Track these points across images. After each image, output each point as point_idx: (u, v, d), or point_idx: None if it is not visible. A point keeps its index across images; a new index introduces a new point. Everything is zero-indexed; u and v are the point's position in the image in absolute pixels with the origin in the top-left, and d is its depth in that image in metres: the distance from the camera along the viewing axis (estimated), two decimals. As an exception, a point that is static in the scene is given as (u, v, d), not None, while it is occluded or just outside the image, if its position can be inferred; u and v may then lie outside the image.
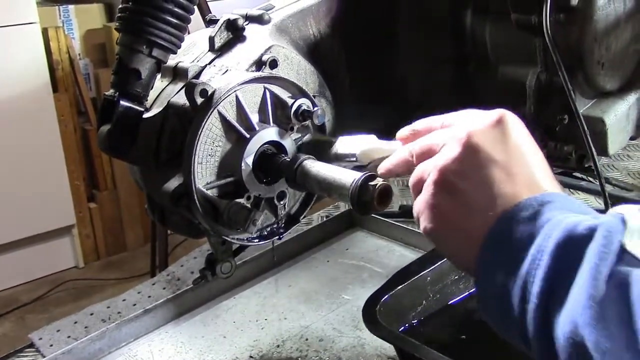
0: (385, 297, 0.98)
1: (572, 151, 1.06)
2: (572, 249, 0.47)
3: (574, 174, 1.66)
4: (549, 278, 0.47)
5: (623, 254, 0.45)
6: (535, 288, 0.47)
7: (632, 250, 0.46)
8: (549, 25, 0.92)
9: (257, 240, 0.88)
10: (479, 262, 0.53)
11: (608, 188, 1.48)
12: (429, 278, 1.05)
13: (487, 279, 0.52)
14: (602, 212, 0.53)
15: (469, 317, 1.05)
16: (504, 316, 0.51)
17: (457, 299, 1.08)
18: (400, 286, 1.01)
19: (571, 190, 1.62)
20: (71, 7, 3.15)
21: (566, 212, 0.50)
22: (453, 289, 1.07)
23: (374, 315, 0.95)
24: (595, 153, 0.98)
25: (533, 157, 0.56)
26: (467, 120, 0.59)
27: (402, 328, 1.01)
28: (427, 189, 0.57)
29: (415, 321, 1.03)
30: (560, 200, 0.52)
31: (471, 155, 0.55)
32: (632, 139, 1.13)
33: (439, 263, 1.06)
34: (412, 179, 0.61)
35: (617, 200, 1.49)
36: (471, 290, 1.08)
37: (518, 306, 0.49)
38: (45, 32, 2.96)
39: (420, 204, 0.58)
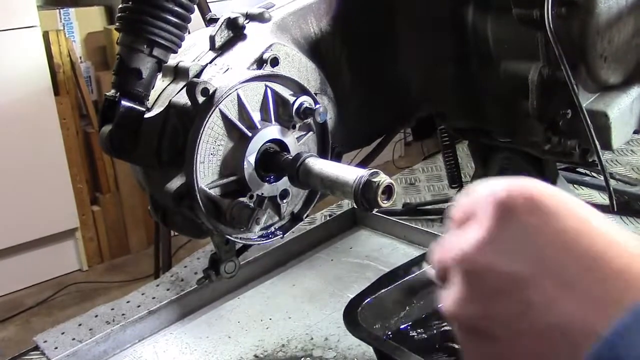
0: (369, 299, 0.97)
1: (576, 146, 1.05)
2: None
3: (577, 169, 1.65)
4: None
5: None
6: None
7: None
8: (551, 19, 0.91)
9: (261, 239, 0.88)
10: None
11: (612, 183, 1.48)
12: (416, 281, 1.03)
13: None
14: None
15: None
16: None
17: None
18: (386, 289, 1.00)
19: (575, 185, 1.62)
20: (72, 10, 3.15)
21: None
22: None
23: (355, 316, 0.93)
24: (599, 147, 0.97)
25: (581, 240, 0.34)
26: (459, 219, 0.40)
27: (387, 331, 0.99)
28: (460, 341, 0.40)
29: (402, 325, 1.01)
30: None
31: (483, 287, 0.36)
32: (635, 132, 1.12)
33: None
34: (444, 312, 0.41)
35: (620, 195, 1.48)
36: None
37: None
38: (46, 35, 2.96)
39: (464, 353, 0.40)
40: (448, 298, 0.39)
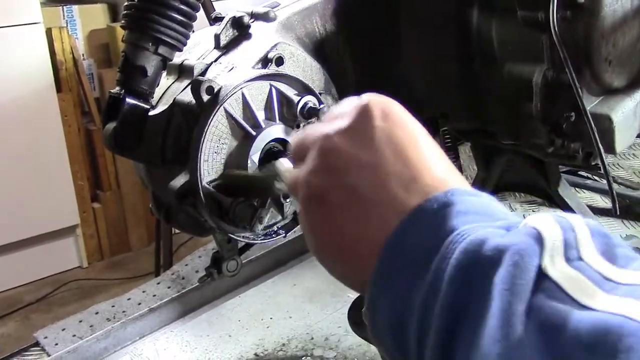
0: None
1: (579, 149, 1.05)
2: (477, 275, 0.37)
3: (579, 172, 1.65)
4: (450, 311, 0.37)
5: (542, 281, 0.36)
6: (434, 323, 0.38)
7: (554, 276, 0.36)
8: (555, 22, 0.91)
9: (263, 238, 0.88)
10: (370, 294, 0.43)
11: (614, 187, 1.48)
12: None
13: (382, 313, 0.42)
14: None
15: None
16: (400, 349, 0.41)
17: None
18: None
19: (576, 189, 1.62)
20: (75, 7, 3.15)
21: (470, 216, 0.41)
22: None
23: (359, 316, 0.93)
24: (602, 151, 0.97)
25: (411, 147, 0.45)
26: (335, 114, 0.49)
27: None
28: (301, 206, 0.48)
29: None
30: (464, 199, 0.42)
31: (330, 162, 0.46)
32: (638, 136, 1.13)
33: None
34: (289, 187, 0.52)
35: (622, 199, 1.48)
36: None
37: (415, 341, 0.39)
38: (49, 32, 2.96)
39: (301, 222, 0.49)
40: (301, 170, 0.48)
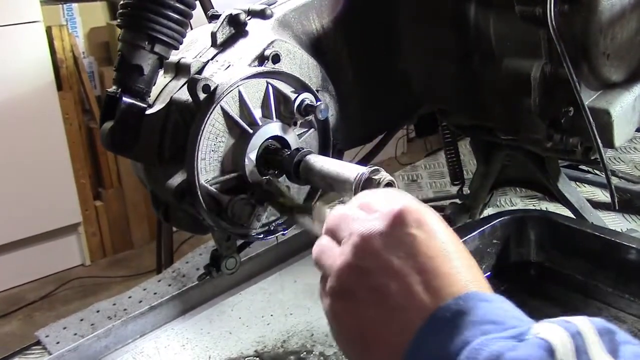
0: None
1: (578, 144, 1.05)
2: None
3: (579, 166, 1.65)
4: None
5: None
6: None
7: None
8: (553, 16, 0.91)
9: (262, 235, 0.88)
10: None
11: (614, 181, 1.47)
12: None
13: None
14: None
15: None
16: None
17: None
18: None
19: (577, 183, 1.61)
20: (75, 5, 3.15)
21: (483, 326, 0.43)
22: None
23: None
24: (601, 145, 0.97)
25: (441, 255, 0.48)
26: (373, 206, 0.53)
27: None
28: (327, 294, 0.51)
29: None
30: (478, 305, 0.45)
31: (363, 263, 0.49)
32: (638, 130, 1.12)
33: None
34: (316, 262, 0.55)
35: (622, 193, 1.48)
36: None
37: None
38: (49, 30, 2.96)
39: (324, 305, 0.52)
40: (334, 257, 0.51)
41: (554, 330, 0.41)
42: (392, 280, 0.47)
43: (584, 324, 0.42)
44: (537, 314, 0.97)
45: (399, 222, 0.49)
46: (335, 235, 0.54)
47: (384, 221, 0.50)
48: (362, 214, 0.53)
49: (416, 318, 0.45)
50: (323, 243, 0.55)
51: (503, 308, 0.46)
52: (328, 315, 0.52)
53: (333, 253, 0.52)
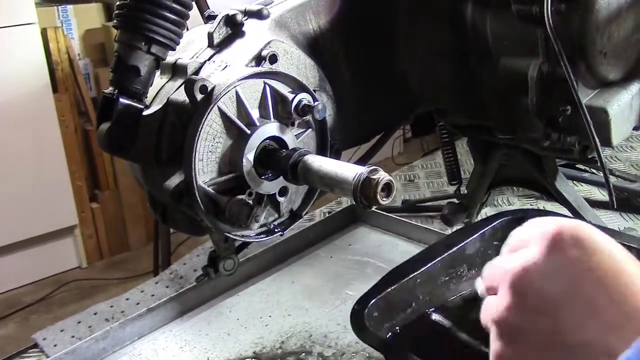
0: (374, 300, 0.95)
1: (575, 142, 1.05)
2: None
3: (577, 165, 1.65)
4: None
5: None
6: None
7: None
8: (550, 15, 0.91)
9: (260, 236, 0.87)
10: None
11: (612, 179, 1.47)
12: (418, 280, 1.02)
13: None
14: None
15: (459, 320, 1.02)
16: None
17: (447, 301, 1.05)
18: (389, 288, 0.98)
19: (574, 182, 1.62)
20: (70, 7, 3.14)
21: None
22: (444, 290, 1.04)
23: (361, 319, 0.90)
24: (598, 144, 0.97)
25: (614, 276, 0.40)
26: (514, 244, 0.47)
27: (389, 331, 0.97)
28: (492, 345, 0.45)
29: (404, 324, 0.99)
30: None
31: (525, 300, 0.42)
32: (635, 129, 1.12)
33: (430, 264, 1.03)
34: (482, 320, 0.48)
35: (619, 192, 1.48)
36: (462, 293, 1.06)
37: None
38: (44, 32, 2.95)
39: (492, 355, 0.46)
40: (493, 306, 0.45)
41: None
42: (560, 315, 0.40)
43: None
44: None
45: (553, 246, 0.42)
46: (493, 289, 0.47)
47: (536, 250, 0.43)
48: (511, 255, 0.47)
49: (598, 356, 0.38)
50: (485, 303, 0.48)
51: None
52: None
53: (491, 304, 0.46)
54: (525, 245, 0.45)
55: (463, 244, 1.04)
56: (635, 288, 0.39)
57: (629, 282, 0.40)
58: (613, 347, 0.37)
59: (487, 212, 1.45)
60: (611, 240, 0.43)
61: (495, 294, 0.46)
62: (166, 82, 0.86)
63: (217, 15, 0.90)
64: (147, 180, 0.88)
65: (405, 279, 0.98)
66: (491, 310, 0.46)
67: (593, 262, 0.41)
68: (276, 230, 0.89)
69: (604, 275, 0.40)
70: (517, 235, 0.48)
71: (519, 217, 1.13)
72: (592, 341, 0.39)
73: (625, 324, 0.38)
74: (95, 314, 1.27)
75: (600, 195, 1.57)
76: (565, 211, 1.28)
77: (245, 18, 0.91)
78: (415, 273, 0.99)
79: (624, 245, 0.41)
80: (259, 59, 0.84)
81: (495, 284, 0.46)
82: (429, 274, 1.00)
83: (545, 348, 0.41)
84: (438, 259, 1.00)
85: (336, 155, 0.95)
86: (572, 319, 0.40)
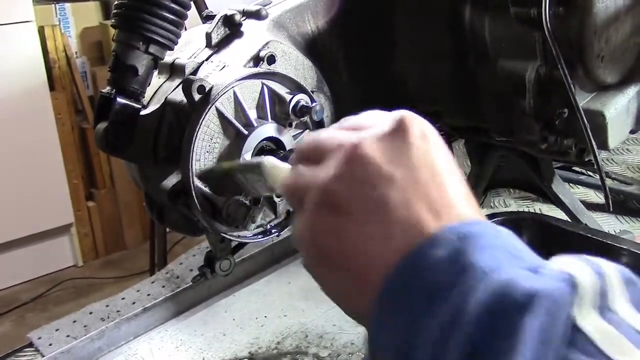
0: None
1: (572, 145, 1.05)
2: (503, 320, 0.34)
3: (573, 167, 1.65)
4: (470, 355, 0.34)
5: (574, 334, 0.34)
6: None
7: (586, 328, 0.34)
8: (548, 18, 0.91)
9: (256, 237, 0.87)
10: (373, 317, 0.39)
11: (608, 182, 1.48)
12: None
13: (384, 339, 0.38)
14: (543, 255, 0.40)
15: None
16: None
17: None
18: None
19: (571, 184, 1.62)
20: (67, 5, 3.14)
21: (495, 252, 0.37)
22: None
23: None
24: (595, 147, 0.97)
25: (445, 173, 0.42)
26: (362, 124, 0.46)
27: None
28: (307, 213, 0.44)
29: None
30: (485, 232, 0.39)
31: (358, 171, 0.42)
32: (632, 132, 1.13)
33: None
34: (289, 187, 0.48)
35: (615, 194, 1.49)
36: None
37: None
38: (41, 30, 2.94)
39: (299, 230, 0.45)
40: (317, 173, 0.44)
41: (577, 265, 0.37)
42: (393, 191, 0.40)
43: (610, 267, 0.37)
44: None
45: (400, 130, 0.43)
46: (313, 159, 0.46)
47: (382, 129, 0.43)
48: (350, 131, 0.46)
49: (416, 234, 0.39)
50: (298, 169, 0.47)
51: (517, 242, 0.40)
52: (303, 236, 0.44)
53: (314, 171, 0.45)
54: (370, 127, 0.45)
55: None
56: (456, 188, 0.42)
57: (455, 183, 0.43)
58: (429, 226, 0.39)
59: (483, 214, 1.45)
60: (447, 148, 0.45)
61: (313, 163, 0.45)
62: (164, 82, 0.86)
63: (215, 16, 0.90)
64: (144, 180, 0.88)
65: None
66: (312, 177, 0.44)
67: (432, 156, 0.43)
68: (273, 231, 0.89)
69: (439, 170, 0.42)
70: (356, 117, 0.49)
71: (512, 219, 1.14)
72: (413, 220, 0.40)
73: (443, 210, 0.40)
74: (90, 313, 1.27)
75: (596, 197, 1.57)
76: (562, 213, 1.28)
77: (244, 18, 0.91)
78: None
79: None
80: (257, 60, 0.84)
81: (319, 153, 0.45)
82: None
83: (366, 220, 0.41)
84: None
85: (333, 156, 0.95)
86: (402, 197, 0.40)
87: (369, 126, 0.45)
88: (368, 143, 0.43)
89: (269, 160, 0.61)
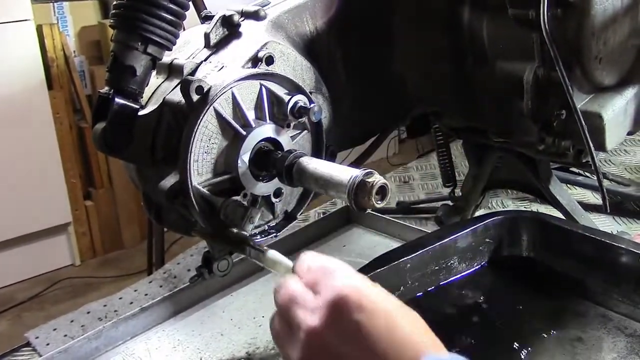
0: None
1: (570, 146, 1.06)
2: None
3: (571, 168, 1.65)
4: None
5: None
6: None
7: None
8: (546, 20, 0.91)
9: (254, 237, 0.87)
10: None
11: (605, 183, 1.48)
12: (408, 265, 1.04)
13: None
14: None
15: (446, 306, 1.05)
16: None
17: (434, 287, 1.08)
18: (379, 269, 1.00)
19: (568, 185, 1.62)
20: (65, 3, 3.13)
21: None
22: (433, 279, 1.07)
23: None
24: (593, 148, 0.97)
25: (389, 330, 0.51)
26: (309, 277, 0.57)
27: None
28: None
29: None
30: None
31: (312, 357, 0.53)
32: (629, 134, 1.13)
33: (420, 251, 1.05)
34: (273, 333, 0.59)
35: (613, 195, 1.49)
36: (452, 278, 1.08)
37: None
38: (39, 29, 2.94)
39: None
40: (292, 353, 0.54)
41: None
42: None
43: None
44: (529, 310, 0.96)
45: (340, 310, 0.51)
46: (286, 318, 0.57)
47: (325, 312, 0.52)
48: (306, 298, 0.55)
49: None
50: (276, 327, 0.58)
51: None
52: None
53: (287, 342, 0.55)
54: (317, 292, 0.55)
55: (454, 237, 1.07)
56: (408, 339, 0.50)
57: (395, 335, 0.50)
58: None
59: (481, 214, 1.45)
60: (390, 299, 0.53)
61: (285, 320, 0.56)
62: (162, 83, 0.86)
63: (214, 16, 0.90)
64: (142, 180, 0.88)
65: (394, 263, 1.01)
66: (288, 346, 0.55)
67: (370, 325, 0.51)
68: (271, 231, 0.89)
69: (378, 335, 0.50)
70: (313, 273, 0.58)
71: (511, 217, 1.14)
72: None
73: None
74: (88, 312, 1.27)
75: (594, 198, 1.57)
76: (559, 214, 1.28)
77: (242, 19, 0.91)
78: (405, 258, 1.02)
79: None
80: (255, 61, 0.84)
81: (287, 316, 0.56)
82: (420, 260, 1.03)
83: None
84: (429, 248, 1.05)
85: (331, 157, 0.95)
86: None
87: (319, 293, 0.54)
88: (318, 333, 0.52)
89: (272, 254, 0.73)
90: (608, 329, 0.96)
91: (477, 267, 1.12)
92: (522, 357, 0.91)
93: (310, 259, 0.61)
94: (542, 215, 1.18)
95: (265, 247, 0.74)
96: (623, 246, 1.00)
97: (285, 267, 0.70)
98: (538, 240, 1.11)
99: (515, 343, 0.93)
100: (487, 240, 1.12)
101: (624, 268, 1.00)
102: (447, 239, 1.07)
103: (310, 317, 0.53)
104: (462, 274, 1.10)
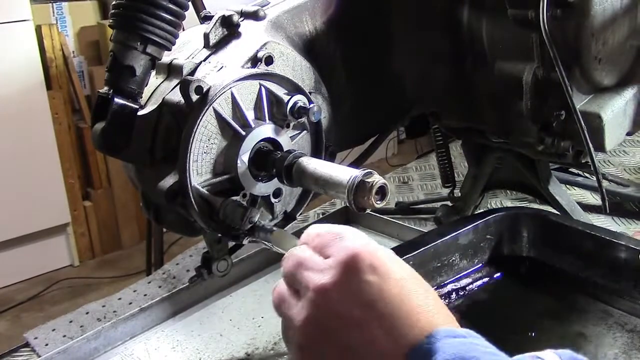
0: None
1: (569, 147, 1.06)
2: None
3: (569, 169, 1.65)
4: None
5: None
6: None
7: None
8: (545, 20, 0.91)
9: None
10: None
11: (604, 184, 1.48)
12: (410, 262, 1.04)
13: None
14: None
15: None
16: None
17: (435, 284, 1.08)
18: None
19: (567, 186, 1.62)
20: (65, 4, 3.13)
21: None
22: (434, 275, 1.07)
23: None
24: (592, 149, 0.97)
25: (402, 296, 0.48)
26: (318, 243, 0.54)
27: None
28: (294, 343, 0.52)
29: None
30: (448, 342, 0.45)
31: (324, 320, 0.49)
32: (628, 134, 1.13)
33: (422, 249, 1.06)
34: (275, 300, 0.56)
35: (612, 196, 1.49)
36: (452, 278, 1.08)
37: None
38: (38, 29, 2.94)
39: (291, 354, 0.54)
40: (296, 313, 0.51)
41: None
42: (354, 333, 0.48)
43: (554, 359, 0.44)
44: (530, 305, 0.96)
45: (352, 270, 0.49)
46: (292, 284, 0.54)
47: (337, 271, 0.50)
48: (316, 260, 0.53)
49: None
50: (281, 291, 0.55)
51: (474, 343, 0.46)
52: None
53: (292, 305, 0.53)
54: (327, 255, 0.52)
55: (455, 234, 1.07)
56: (410, 307, 0.48)
57: (409, 302, 0.48)
58: (393, 356, 0.46)
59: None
60: (402, 265, 0.51)
61: (292, 287, 0.54)
62: (161, 83, 0.85)
63: (213, 16, 0.90)
64: (141, 180, 0.87)
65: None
66: (292, 311, 0.52)
67: (383, 288, 0.48)
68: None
69: (391, 299, 0.48)
70: (322, 238, 0.55)
71: (512, 214, 1.14)
72: (377, 355, 0.47)
73: (401, 338, 0.46)
74: (87, 313, 1.26)
75: (593, 199, 1.57)
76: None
77: (242, 19, 0.91)
78: (407, 256, 1.02)
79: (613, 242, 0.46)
80: (254, 61, 0.84)
81: (295, 281, 0.53)
82: (422, 257, 1.04)
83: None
84: (431, 245, 1.05)
85: (331, 157, 0.95)
86: (363, 337, 0.47)
87: (330, 256, 0.51)
88: (327, 291, 0.49)
89: (280, 231, 0.72)
90: (609, 324, 0.97)
91: (478, 264, 1.12)
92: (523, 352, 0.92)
93: (318, 227, 0.58)
94: (543, 212, 1.18)
95: (274, 227, 0.75)
96: (623, 243, 1.01)
97: (294, 243, 0.68)
98: (539, 236, 1.12)
99: (516, 338, 0.94)
100: (488, 237, 1.12)
101: (624, 264, 1.00)
102: (449, 236, 1.07)
103: (320, 276, 0.51)
104: (464, 270, 1.10)
